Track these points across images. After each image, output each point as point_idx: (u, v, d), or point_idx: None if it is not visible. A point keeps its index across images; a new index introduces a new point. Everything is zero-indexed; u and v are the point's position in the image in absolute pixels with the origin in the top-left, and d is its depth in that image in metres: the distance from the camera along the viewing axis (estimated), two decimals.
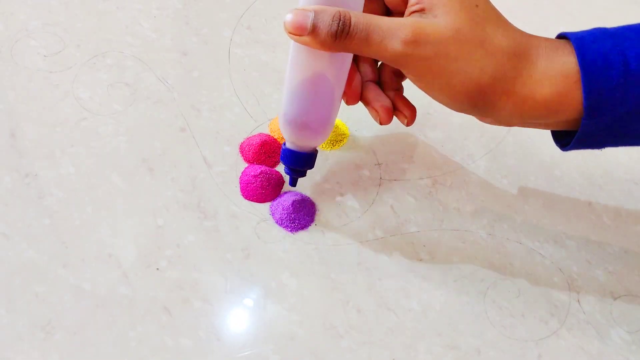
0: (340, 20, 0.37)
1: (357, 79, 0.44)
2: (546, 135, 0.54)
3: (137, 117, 0.51)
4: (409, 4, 0.39)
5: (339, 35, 0.37)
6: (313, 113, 0.42)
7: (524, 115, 0.39)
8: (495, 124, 0.42)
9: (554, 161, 0.53)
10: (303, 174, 0.46)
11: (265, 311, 0.43)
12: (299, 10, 0.37)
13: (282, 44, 0.57)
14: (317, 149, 0.45)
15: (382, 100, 0.44)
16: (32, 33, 0.55)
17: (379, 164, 0.51)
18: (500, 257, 0.47)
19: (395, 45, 0.37)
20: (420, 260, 0.46)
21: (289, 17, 0.37)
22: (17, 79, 0.52)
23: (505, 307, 0.45)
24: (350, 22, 0.37)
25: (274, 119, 0.52)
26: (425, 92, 0.40)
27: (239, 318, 0.43)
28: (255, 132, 0.51)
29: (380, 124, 0.44)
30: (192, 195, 0.48)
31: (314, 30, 0.37)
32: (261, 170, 0.48)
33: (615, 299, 0.46)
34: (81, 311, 0.42)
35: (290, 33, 0.38)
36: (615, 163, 0.53)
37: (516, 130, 0.54)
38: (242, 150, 0.50)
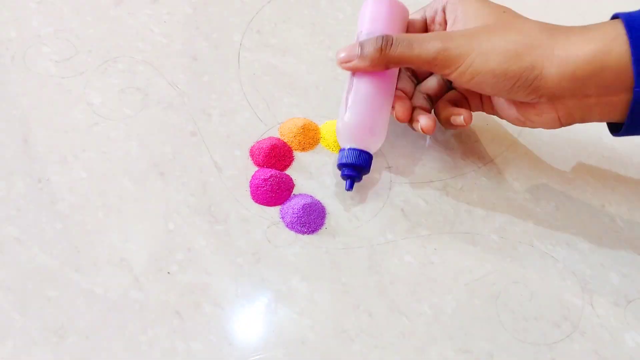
0: (383, 37, 0.44)
1: (408, 103, 0.49)
2: (558, 136, 0.53)
3: (148, 122, 0.51)
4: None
5: (383, 48, 0.43)
6: (372, 118, 0.47)
7: (573, 77, 0.40)
8: (549, 104, 0.43)
9: (565, 163, 0.52)
10: (360, 178, 0.48)
11: (276, 315, 0.43)
12: (348, 45, 0.46)
13: (291, 47, 0.57)
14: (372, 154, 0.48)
15: (426, 116, 0.48)
16: (44, 39, 0.55)
17: (389, 167, 0.51)
18: (512, 261, 0.47)
19: (435, 43, 0.42)
20: (432, 263, 0.46)
21: (342, 54, 0.45)
22: (29, 85, 0.52)
23: (518, 311, 0.45)
24: (392, 37, 0.43)
25: (283, 122, 0.52)
26: (470, 84, 0.43)
27: (249, 322, 0.43)
28: (265, 136, 0.51)
29: (423, 132, 0.48)
30: (203, 199, 0.48)
31: (361, 53, 0.44)
32: (271, 174, 0.48)
33: (629, 302, 0.45)
34: (93, 315, 0.42)
35: (342, 63, 0.45)
36: (629, 164, 0.53)
37: (527, 132, 0.53)
38: (252, 154, 0.50)
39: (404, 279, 0.45)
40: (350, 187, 0.47)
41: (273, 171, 0.49)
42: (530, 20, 0.43)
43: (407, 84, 0.50)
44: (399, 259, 0.46)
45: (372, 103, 0.46)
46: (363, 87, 0.46)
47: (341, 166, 0.47)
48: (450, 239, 0.47)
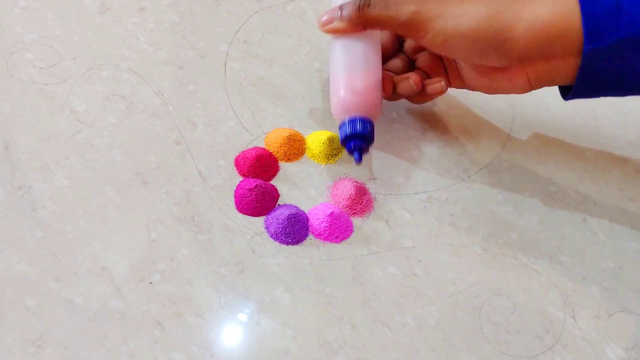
0: None
1: (389, 76, 0.50)
2: (541, 150, 0.54)
3: (132, 130, 0.51)
4: None
5: (362, 7, 0.46)
6: (365, 81, 0.48)
7: (541, 38, 0.43)
8: (520, 67, 0.45)
9: (549, 177, 0.53)
10: (367, 149, 0.49)
11: (259, 326, 0.43)
12: (329, 9, 0.48)
13: (278, 58, 0.57)
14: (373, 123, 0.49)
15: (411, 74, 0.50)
16: (29, 46, 0.55)
17: (374, 179, 0.51)
18: (495, 273, 0.47)
19: (410, 6, 0.45)
20: (415, 275, 0.46)
21: (323, 17, 0.48)
22: (12, 91, 0.52)
23: (501, 323, 0.45)
24: None
25: (269, 132, 0.52)
26: (442, 47, 0.45)
27: (232, 333, 0.43)
28: (251, 146, 0.51)
29: (415, 86, 0.49)
30: (187, 208, 0.47)
31: (341, 15, 0.47)
32: (256, 184, 0.48)
33: (610, 315, 0.46)
34: (73, 325, 0.41)
35: (323, 25, 0.48)
36: (610, 179, 0.53)
37: (511, 145, 0.54)
38: (237, 163, 0.50)
39: (388, 291, 0.45)
40: (359, 159, 0.48)
41: (258, 181, 0.48)
42: None
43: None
44: (382, 270, 0.46)
45: (365, 68, 0.48)
46: (351, 54, 0.48)
47: (346, 139, 0.48)
48: (434, 250, 0.48)
